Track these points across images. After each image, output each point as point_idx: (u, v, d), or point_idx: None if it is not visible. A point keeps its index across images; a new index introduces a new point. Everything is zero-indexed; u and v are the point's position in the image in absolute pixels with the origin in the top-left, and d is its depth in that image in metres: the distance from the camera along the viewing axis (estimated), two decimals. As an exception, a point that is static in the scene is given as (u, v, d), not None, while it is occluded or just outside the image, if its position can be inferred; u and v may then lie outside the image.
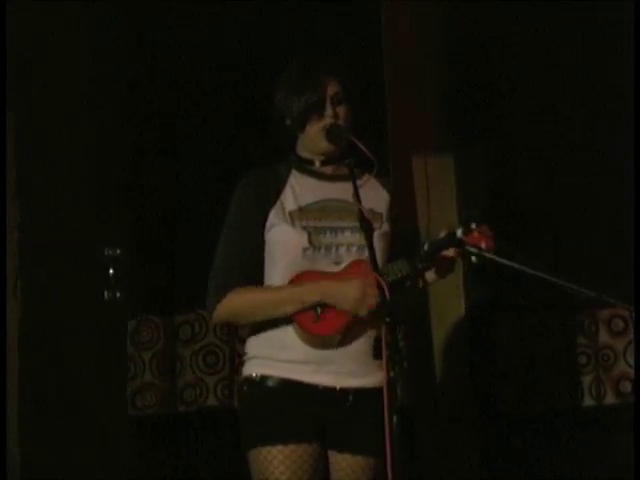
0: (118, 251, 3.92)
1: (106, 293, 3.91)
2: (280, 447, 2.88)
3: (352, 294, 2.86)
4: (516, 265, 2.89)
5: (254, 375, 2.97)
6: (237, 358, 3.97)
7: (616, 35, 4.05)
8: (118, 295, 3.91)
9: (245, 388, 3.01)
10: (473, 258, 2.89)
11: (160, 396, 3.93)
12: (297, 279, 2.93)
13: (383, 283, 2.59)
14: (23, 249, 3.82)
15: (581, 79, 4.14)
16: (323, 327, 2.90)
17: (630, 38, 3.96)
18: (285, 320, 2.93)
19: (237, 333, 3.95)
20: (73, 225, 3.88)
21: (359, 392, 2.91)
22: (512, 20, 4.18)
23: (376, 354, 2.55)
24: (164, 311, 3.98)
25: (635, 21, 3.93)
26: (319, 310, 2.90)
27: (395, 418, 2.44)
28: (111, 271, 3.92)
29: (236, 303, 2.97)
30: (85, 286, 3.87)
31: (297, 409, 2.91)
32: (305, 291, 2.91)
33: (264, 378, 2.95)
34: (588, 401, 4.09)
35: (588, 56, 4.12)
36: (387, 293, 2.60)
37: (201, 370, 3.97)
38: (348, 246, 2.96)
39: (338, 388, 2.93)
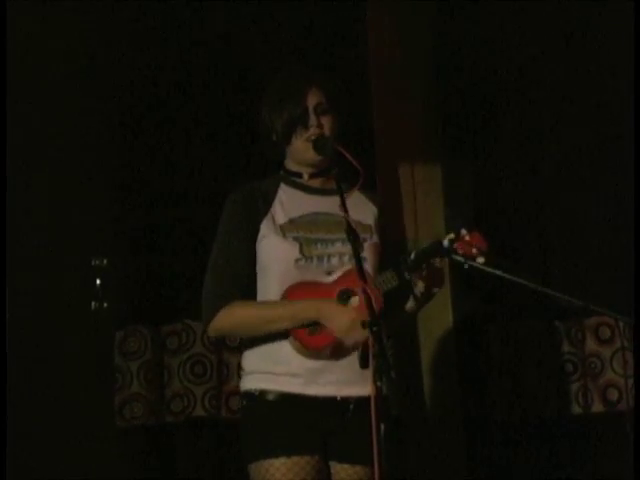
0: (105, 261, 3.91)
1: (93, 303, 3.90)
2: (283, 460, 2.89)
3: (344, 323, 2.88)
4: (503, 274, 2.89)
5: (253, 390, 2.99)
6: (224, 368, 3.97)
7: (610, 44, 4.07)
8: (105, 305, 3.90)
9: (245, 402, 3.03)
10: (465, 265, 2.89)
11: (148, 407, 3.92)
12: (290, 291, 2.95)
13: (371, 293, 2.60)
14: (9, 258, 3.80)
15: (570, 88, 4.15)
16: (318, 340, 2.92)
17: (624, 45, 3.97)
18: (281, 334, 2.95)
19: (225, 343, 3.95)
20: (59, 235, 3.86)
21: (360, 401, 2.91)
22: (500, 30, 4.20)
23: (363, 363, 2.54)
24: (151, 321, 3.97)
25: (635, 27, 3.93)
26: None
27: (383, 427, 2.44)
28: (98, 281, 3.90)
29: (230, 319, 2.98)
30: (72, 297, 3.86)
31: (298, 421, 2.92)
32: (300, 309, 2.92)
33: (263, 392, 2.96)
34: (575, 409, 4.09)
35: (578, 66, 4.13)
36: (375, 305, 2.60)
37: (189, 380, 3.95)
38: (340, 256, 2.98)
39: (339, 398, 2.94)
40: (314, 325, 2.92)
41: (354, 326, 2.82)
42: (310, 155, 3.03)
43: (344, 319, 2.88)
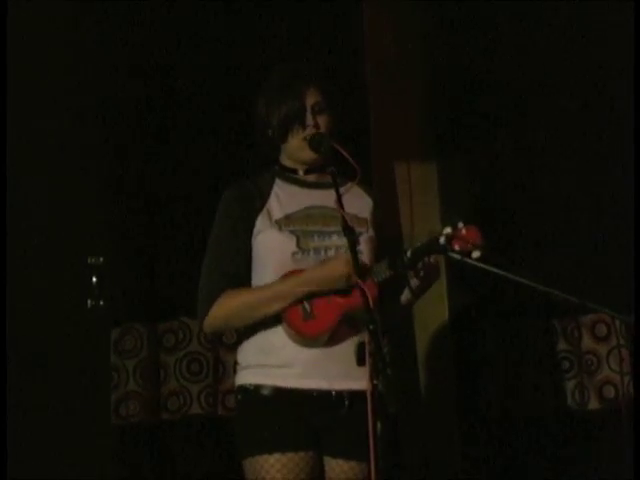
0: (101, 259, 3.91)
1: (89, 301, 3.89)
2: (278, 456, 2.89)
3: (338, 270, 2.87)
4: (499, 271, 2.89)
5: (248, 384, 2.99)
6: (221, 366, 3.97)
7: (609, 44, 4.07)
8: (101, 303, 3.90)
9: (240, 397, 3.02)
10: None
11: (144, 405, 3.92)
12: (284, 278, 2.94)
13: (366, 289, 2.60)
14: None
15: (568, 88, 4.15)
16: (312, 327, 2.91)
17: (624, 45, 3.97)
18: (274, 323, 2.94)
19: (222, 340, 3.94)
20: (56, 234, 3.86)
21: (354, 395, 2.90)
22: (496, 30, 4.20)
23: (359, 361, 2.54)
24: (147, 319, 3.97)
25: (635, 27, 3.93)
26: (308, 308, 2.91)
27: (380, 424, 2.44)
28: (94, 279, 3.90)
29: (225, 308, 2.98)
30: (68, 295, 3.85)
31: (293, 417, 2.92)
32: (292, 284, 2.91)
33: (258, 387, 2.96)
34: (571, 406, 4.09)
35: (576, 65, 4.14)
36: (370, 300, 2.61)
37: (185, 378, 3.96)
38: (337, 248, 2.98)
39: (334, 393, 2.94)
40: (308, 306, 2.90)
41: (347, 266, 2.82)
42: (306, 154, 3.04)
43: (335, 268, 2.87)
